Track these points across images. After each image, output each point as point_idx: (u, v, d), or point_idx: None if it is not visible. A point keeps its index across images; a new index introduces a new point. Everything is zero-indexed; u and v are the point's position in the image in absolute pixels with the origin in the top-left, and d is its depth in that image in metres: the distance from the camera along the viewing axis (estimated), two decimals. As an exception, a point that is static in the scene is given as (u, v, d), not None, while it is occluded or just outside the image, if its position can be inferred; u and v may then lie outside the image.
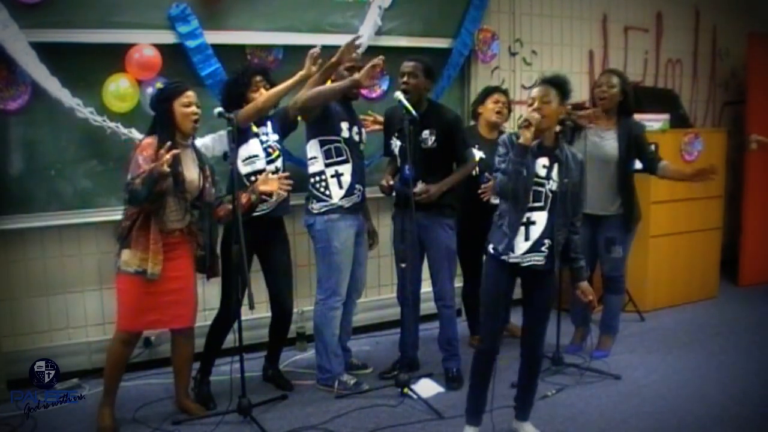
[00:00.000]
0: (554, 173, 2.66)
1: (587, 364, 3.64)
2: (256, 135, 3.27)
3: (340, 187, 3.32)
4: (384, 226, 4.16)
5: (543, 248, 2.67)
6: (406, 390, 3.28)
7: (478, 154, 3.63)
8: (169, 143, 2.74)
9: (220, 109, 2.95)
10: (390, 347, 3.89)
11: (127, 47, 3.36)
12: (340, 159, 3.32)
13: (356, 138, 3.40)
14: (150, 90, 3.34)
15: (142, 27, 3.41)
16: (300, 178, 3.44)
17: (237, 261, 2.90)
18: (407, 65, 3.37)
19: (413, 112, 3.16)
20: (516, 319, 4.15)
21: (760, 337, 4.18)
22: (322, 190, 3.32)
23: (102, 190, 3.49)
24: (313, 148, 3.34)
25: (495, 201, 3.24)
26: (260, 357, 3.58)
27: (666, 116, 4.73)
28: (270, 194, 3.16)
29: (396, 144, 3.43)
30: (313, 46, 3.32)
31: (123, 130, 3.39)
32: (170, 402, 3.22)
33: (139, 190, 2.69)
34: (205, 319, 3.50)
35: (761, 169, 5.34)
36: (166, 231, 2.88)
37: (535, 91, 2.66)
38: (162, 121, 2.88)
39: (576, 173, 2.68)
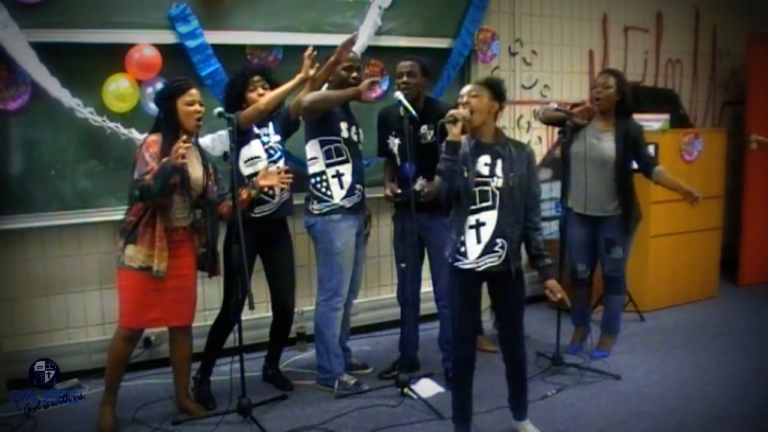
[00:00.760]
0: (498, 169, 2.61)
1: (587, 364, 3.64)
2: (258, 136, 3.27)
3: (341, 187, 3.32)
4: (384, 226, 4.16)
5: (497, 248, 2.61)
6: (406, 390, 3.28)
7: None
8: (184, 136, 2.77)
9: (220, 109, 2.94)
10: (390, 347, 3.89)
11: (127, 47, 3.36)
12: (340, 159, 3.32)
13: (355, 138, 3.40)
14: (150, 90, 3.35)
15: (142, 27, 3.42)
16: (300, 179, 3.44)
17: (237, 261, 2.91)
18: (405, 65, 3.38)
19: (413, 111, 3.17)
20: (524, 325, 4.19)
21: (760, 337, 4.18)
22: (323, 190, 3.32)
23: (102, 190, 3.49)
24: (313, 149, 3.34)
25: None
26: (260, 357, 3.58)
27: (666, 116, 4.73)
28: (271, 189, 3.16)
29: (394, 143, 3.44)
30: (313, 46, 3.31)
31: (123, 130, 3.39)
32: (170, 402, 3.22)
33: (151, 185, 2.70)
34: (205, 319, 3.51)
35: (761, 169, 5.34)
36: (171, 228, 2.88)
37: (464, 89, 2.66)
38: (166, 119, 2.89)
39: (523, 166, 2.62)
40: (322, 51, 3.30)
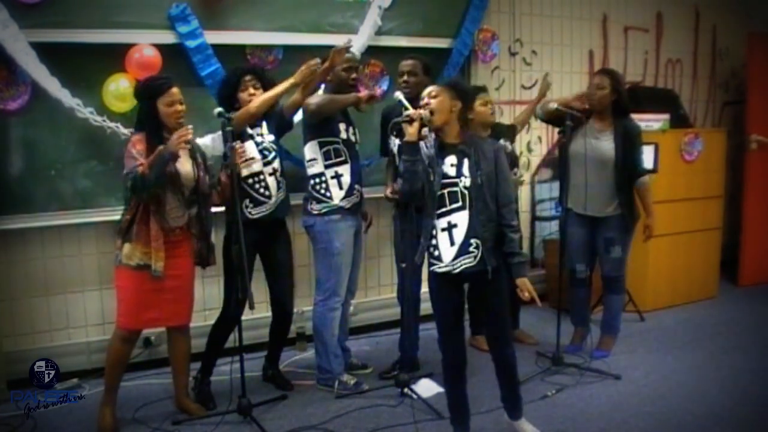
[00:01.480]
0: (465, 169, 2.57)
1: (587, 364, 3.63)
2: (251, 137, 3.25)
3: (341, 188, 3.32)
4: (384, 226, 4.16)
5: (471, 249, 2.56)
6: (406, 390, 3.28)
7: None
8: (190, 127, 2.76)
9: (220, 109, 2.94)
10: (390, 347, 3.89)
11: (127, 47, 3.36)
12: (339, 160, 3.32)
13: (353, 138, 3.41)
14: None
15: (142, 27, 3.42)
16: (299, 179, 3.44)
17: (237, 261, 2.91)
18: (406, 64, 3.39)
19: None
20: (524, 325, 4.20)
21: (760, 337, 4.18)
22: (322, 191, 3.32)
23: (102, 190, 3.49)
24: (311, 150, 3.34)
25: None
26: (260, 357, 3.58)
27: (666, 116, 4.73)
28: (267, 189, 3.17)
29: (395, 142, 3.44)
30: (313, 46, 3.31)
31: (123, 130, 3.39)
32: (170, 402, 3.22)
33: (147, 174, 2.70)
34: (205, 319, 3.51)
35: (761, 169, 5.34)
36: (167, 229, 2.88)
37: (425, 90, 2.65)
38: (147, 119, 2.88)
39: (491, 163, 2.58)
40: (322, 51, 3.30)
